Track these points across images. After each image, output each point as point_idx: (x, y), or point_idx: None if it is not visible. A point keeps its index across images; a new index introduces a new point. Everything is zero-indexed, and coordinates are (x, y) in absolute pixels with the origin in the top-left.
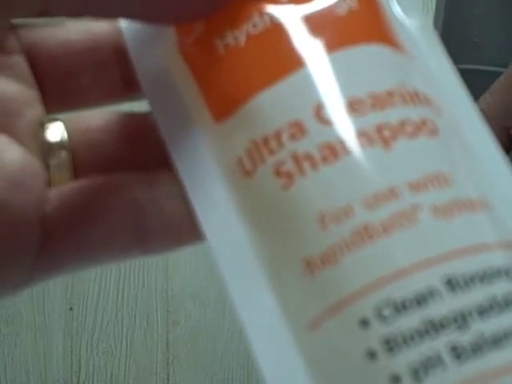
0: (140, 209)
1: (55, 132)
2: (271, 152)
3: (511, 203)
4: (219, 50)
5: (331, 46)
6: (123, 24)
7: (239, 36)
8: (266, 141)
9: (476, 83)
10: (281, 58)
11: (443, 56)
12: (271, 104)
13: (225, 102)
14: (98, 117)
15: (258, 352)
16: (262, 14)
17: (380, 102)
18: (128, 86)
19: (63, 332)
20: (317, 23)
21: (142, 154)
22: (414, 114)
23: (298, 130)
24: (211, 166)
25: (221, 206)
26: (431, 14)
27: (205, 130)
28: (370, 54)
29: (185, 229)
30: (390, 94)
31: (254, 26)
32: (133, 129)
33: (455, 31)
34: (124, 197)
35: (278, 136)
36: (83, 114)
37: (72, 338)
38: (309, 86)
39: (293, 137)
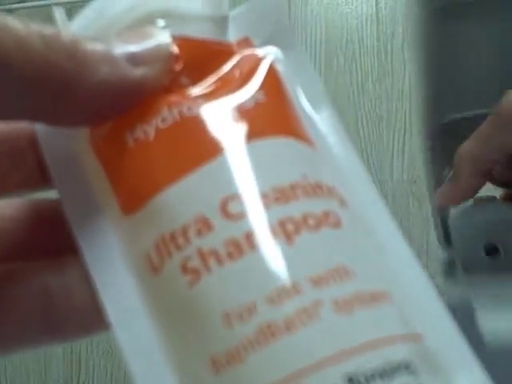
0: (49, 296)
1: None
2: (178, 248)
3: (414, 295)
4: (129, 144)
5: (238, 140)
6: None
7: (148, 130)
8: (173, 236)
9: None
10: (188, 152)
11: (350, 148)
12: (179, 198)
13: (134, 196)
14: (9, 206)
15: None
16: (171, 108)
17: (284, 195)
18: (44, 175)
19: None
20: (225, 116)
21: (53, 240)
22: (316, 206)
23: (203, 225)
24: (120, 260)
25: (129, 302)
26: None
27: (114, 223)
28: (275, 146)
29: (93, 317)
30: (293, 187)
31: (163, 120)
32: (45, 216)
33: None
34: (33, 284)
35: (184, 231)
36: None
37: None
38: (215, 180)
39: (199, 232)
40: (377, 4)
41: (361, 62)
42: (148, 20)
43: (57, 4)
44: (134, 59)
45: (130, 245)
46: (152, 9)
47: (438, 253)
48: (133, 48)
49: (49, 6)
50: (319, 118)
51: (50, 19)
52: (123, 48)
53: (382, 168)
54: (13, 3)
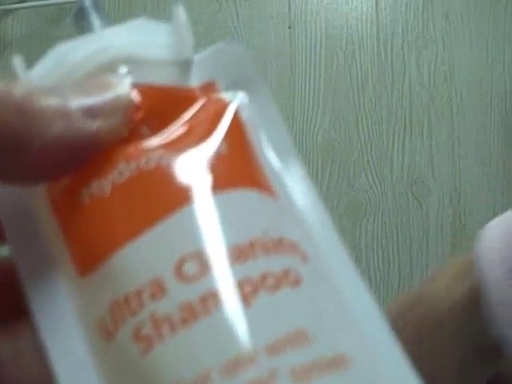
0: (0, 365)
1: None
2: (132, 313)
3: (378, 355)
4: (85, 200)
5: (197, 195)
6: None
7: (105, 185)
8: (127, 300)
9: None
10: (144, 209)
11: (316, 199)
12: (134, 259)
13: (89, 256)
14: None
15: None
16: (129, 161)
17: (242, 254)
18: None
19: None
20: (184, 169)
21: (6, 302)
22: (276, 264)
23: (158, 288)
24: (73, 324)
25: (82, 372)
26: None
27: (69, 285)
28: (236, 200)
29: None
30: (252, 244)
31: (120, 174)
32: None
33: None
34: None
35: (139, 295)
36: None
37: None
38: (171, 238)
39: (153, 296)
40: (377, 4)
41: (361, 61)
42: (109, 66)
43: (56, 4)
44: (90, 112)
45: (86, 308)
46: (113, 55)
47: (438, 253)
48: (90, 100)
49: (49, 6)
50: (284, 168)
51: (49, 19)
52: (79, 100)
53: (382, 168)
54: (13, 3)
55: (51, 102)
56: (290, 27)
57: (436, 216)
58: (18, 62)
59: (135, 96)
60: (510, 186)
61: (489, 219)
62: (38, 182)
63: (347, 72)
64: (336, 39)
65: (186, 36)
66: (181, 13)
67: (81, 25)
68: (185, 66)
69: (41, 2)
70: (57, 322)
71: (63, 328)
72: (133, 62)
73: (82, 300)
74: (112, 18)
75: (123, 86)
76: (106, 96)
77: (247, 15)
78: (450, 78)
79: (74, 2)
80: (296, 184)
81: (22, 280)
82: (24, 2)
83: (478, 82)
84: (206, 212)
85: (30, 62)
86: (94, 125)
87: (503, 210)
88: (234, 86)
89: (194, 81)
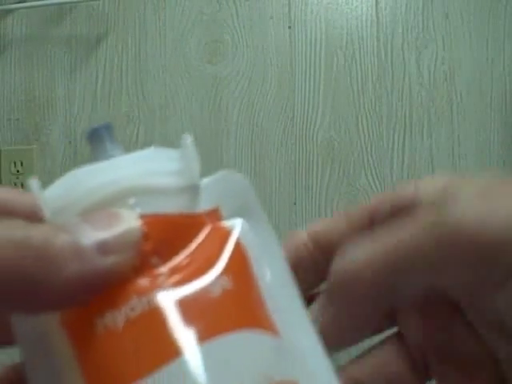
0: None
1: None
2: None
3: None
4: (99, 330)
5: (204, 335)
6: None
7: (118, 318)
8: None
9: None
10: (152, 349)
11: (313, 335)
12: None
13: None
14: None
15: None
16: (140, 296)
17: None
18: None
19: None
20: (192, 308)
21: None
22: None
23: None
24: None
25: None
26: None
27: None
28: (240, 342)
29: None
30: None
31: (133, 309)
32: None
33: None
34: None
35: None
36: None
37: None
38: (181, 379)
39: None
40: (377, 4)
41: (361, 62)
42: (118, 197)
43: (56, 4)
44: (103, 248)
45: None
46: (122, 186)
47: None
48: (102, 235)
49: (49, 6)
50: (285, 299)
51: (49, 19)
52: (92, 236)
53: (382, 168)
54: (12, 3)
55: (66, 242)
56: (290, 27)
57: None
58: (34, 185)
59: (144, 228)
60: None
61: None
62: (52, 311)
63: (347, 72)
64: (336, 39)
65: (194, 162)
66: (188, 140)
67: (94, 145)
68: (192, 191)
69: (41, 2)
70: None
71: None
72: (141, 192)
73: None
74: (112, 18)
75: (133, 220)
76: (117, 230)
77: (247, 15)
78: (450, 78)
79: (74, 2)
80: (295, 320)
81: None
82: (24, 1)
83: (477, 82)
84: (213, 355)
85: (30, 62)
86: (108, 261)
87: None
88: (236, 213)
89: (201, 206)
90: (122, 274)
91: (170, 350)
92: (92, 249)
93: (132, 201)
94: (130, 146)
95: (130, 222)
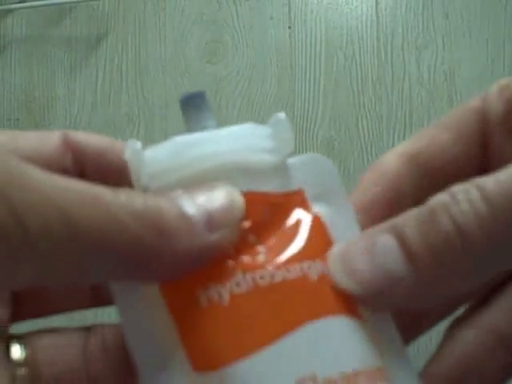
0: None
1: (17, 350)
2: None
3: None
4: (202, 303)
5: (310, 316)
6: None
7: (223, 293)
8: None
9: None
10: (262, 325)
11: (389, 319)
12: (252, 373)
13: (207, 357)
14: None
15: None
16: (245, 273)
17: (348, 383)
18: (95, 299)
19: None
20: (295, 289)
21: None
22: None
23: None
24: None
25: None
26: None
27: (183, 377)
28: (341, 326)
29: None
30: (356, 374)
31: (238, 284)
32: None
33: None
34: None
35: None
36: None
37: None
38: (288, 359)
39: None
40: (377, 4)
41: (361, 62)
42: (219, 171)
43: (56, 4)
44: (210, 223)
45: None
46: (221, 161)
47: None
48: (209, 209)
49: (49, 6)
50: None
51: (49, 19)
52: (200, 211)
53: None
54: (13, 3)
55: (179, 215)
56: (290, 27)
57: None
58: (136, 146)
59: (244, 206)
60: None
61: None
62: (157, 282)
63: (347, 72)
64: (336, 39)
65: (289, 141)
66: (283, 117)
67: (189, 113)
68: (285, 170)
69: (41, 2)
70: None
71: None
72: (241, 169)
73: None
74: (112, 18)
75: (236, 196)
76: (223, 206)
77: (247, 15)
78: (449, 78)
79: (74, 2)
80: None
81: (139, 372)
82: (24, 1)
83: (477, 82)
84: (317, 335)
85: (30, 62)
86: (213, 237)
87: None
88: (320, 196)
89: (288, 186)
90: (224, 250)
91: (277, 328)
92: (201, 224)
93: (233, 176)
94: None
95: (234, 197)
